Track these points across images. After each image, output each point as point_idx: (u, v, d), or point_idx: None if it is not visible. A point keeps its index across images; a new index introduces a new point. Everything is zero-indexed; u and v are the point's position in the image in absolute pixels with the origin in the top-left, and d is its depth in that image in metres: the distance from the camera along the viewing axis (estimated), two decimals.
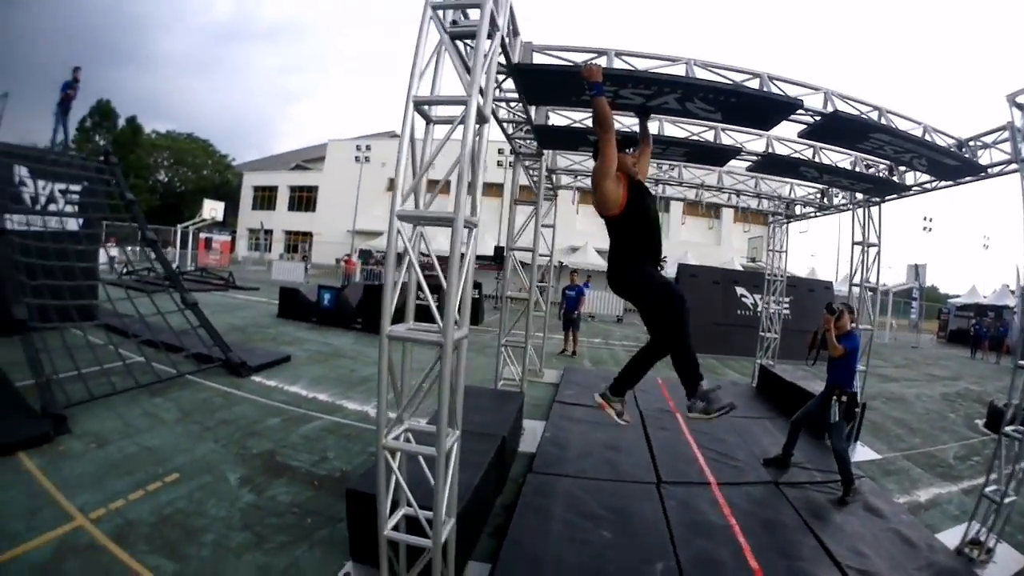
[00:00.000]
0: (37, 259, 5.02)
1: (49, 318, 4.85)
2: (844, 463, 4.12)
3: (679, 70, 3.23)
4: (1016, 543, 3.73)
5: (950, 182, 4.72)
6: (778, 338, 7.78)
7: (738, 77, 3.33)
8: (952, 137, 4.10)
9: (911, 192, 5.24)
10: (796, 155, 4.80)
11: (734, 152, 4.58)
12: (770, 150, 4.74)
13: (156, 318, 6.08)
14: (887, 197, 5.54)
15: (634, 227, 2.49)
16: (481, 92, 2.15)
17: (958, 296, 25.40)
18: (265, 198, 36.61)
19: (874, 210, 5.71)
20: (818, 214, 6.96)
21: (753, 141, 4.70)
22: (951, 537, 3.70)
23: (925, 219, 24.99)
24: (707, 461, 4.64)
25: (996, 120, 3.92)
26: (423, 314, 2.31)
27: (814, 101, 3.53)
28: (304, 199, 35.33)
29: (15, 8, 40.45)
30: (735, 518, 3.65)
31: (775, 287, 7.76)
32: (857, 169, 5.08)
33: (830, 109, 3.49)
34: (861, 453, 5.58)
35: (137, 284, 7.29)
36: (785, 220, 7.59)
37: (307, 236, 33.21)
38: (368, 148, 28.25)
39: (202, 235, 23.19)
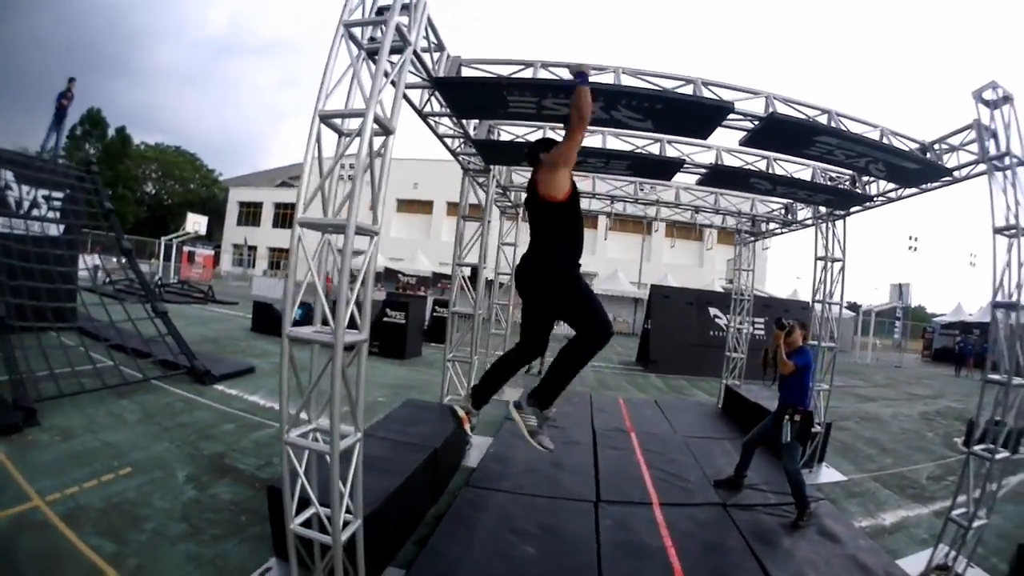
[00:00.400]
0: (18, 261, 5.44)
1: (26, 317, 5.23)
2: (798, 485, 4.05)
3: (608, 78, 3.32)
4: (990, 567, 3.64)
5: (915, 189, 4.63)
6: (744, 358, 7.92)
7: (671, 84, 3.34)
8: (915, 141, 3.98)
9: (875, 203, 5.22)
10: (749, 167, 4.84)
11: (678, 164, 4.68)
12: (719, 162, 4.81)
13: (129, 325, 6.45)
14: (851, 209, 5.53)
15: (574, 219, 2.57)
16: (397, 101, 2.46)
17: (943, 315, 25.80)
18: (250, 214, 37.93)
19: (839, 224, 5.73)
20: (784, 230, 7.13)
21: (701, 153, 4.78)
22: (916, 563, 3.59)
23: (911, 238, 25.90)
24: (654, 481, 4.64)
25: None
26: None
27: (755, 106, 3.50)
28: (289, 216, 36.42)
29: (13, 17, 42.63)
30: (672, 540, 3.61)
31: (742, 306, 7.94)
32: (817, 180, 5.09)
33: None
34: (826, 475, 5.56)
35: (113, 292, 7.69)
36: (752, 238, 7.79)
37: None
38: (351, 167, 29.20)
39: (186, 248, 23.99)
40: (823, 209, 5.80)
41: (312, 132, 2.42)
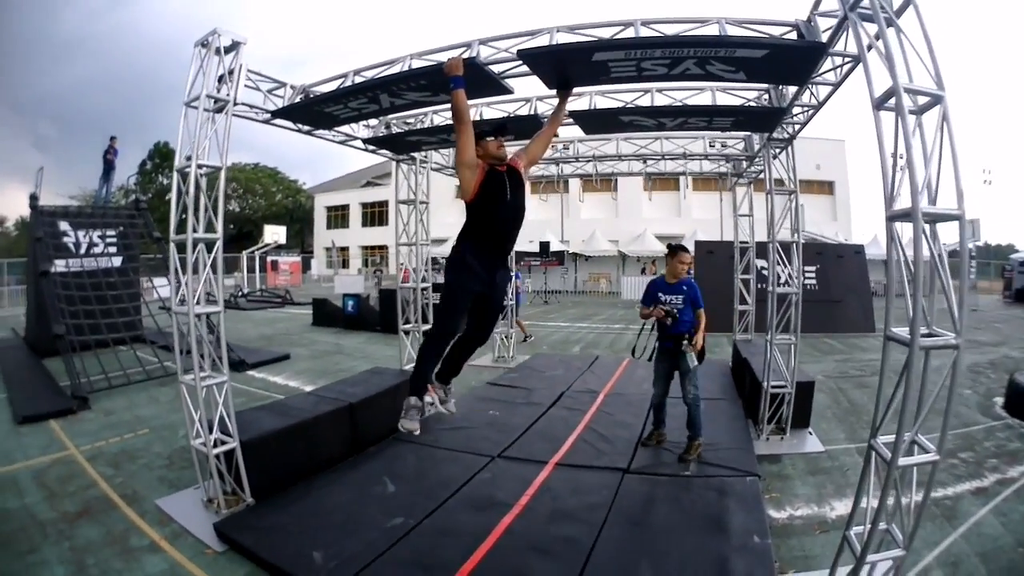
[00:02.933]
0: (76, 291, 8.25)
1: (84, 333, 7.98)
2: (694, 417, 4.71)
3: (397, 68, 4.15)
4: None
5: (828, 89, 4.28)
6: (753, 310, 8.29)
7: (455, 53, 3.75)
8: (782, 23, 3.52)
9: (804, 116, 5.15)
10: (628, 104, 5.04)
11: (530, 119, 5.24)
12: (592, 106, 5.09)
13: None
14: (786, 131, 5.61)
15: (480, 217, 2.92)
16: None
17: (1020, 252, 24.47)
18: (338, 217, 44.35)
19: (789, 152, 5.83)
20: (754, 168, 7.49)
21: (574, 102, 5.08)
22: None
23: (984, 171, 25.12)
24: (576, 442, 5.23)
25: None
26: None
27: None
28: (376, 214, 42.08)
29: (73, 63, 53.30)
30: (531, 500, 4.07)
31: (747, 256, 8.29)
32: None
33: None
34: (809, 444, 5.59)
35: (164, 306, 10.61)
36: (738, 179, 8.15)
37: (383, 249, 38.57)
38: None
39: (269, 258, 28.79)
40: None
41: (174, 180, 4.15)
